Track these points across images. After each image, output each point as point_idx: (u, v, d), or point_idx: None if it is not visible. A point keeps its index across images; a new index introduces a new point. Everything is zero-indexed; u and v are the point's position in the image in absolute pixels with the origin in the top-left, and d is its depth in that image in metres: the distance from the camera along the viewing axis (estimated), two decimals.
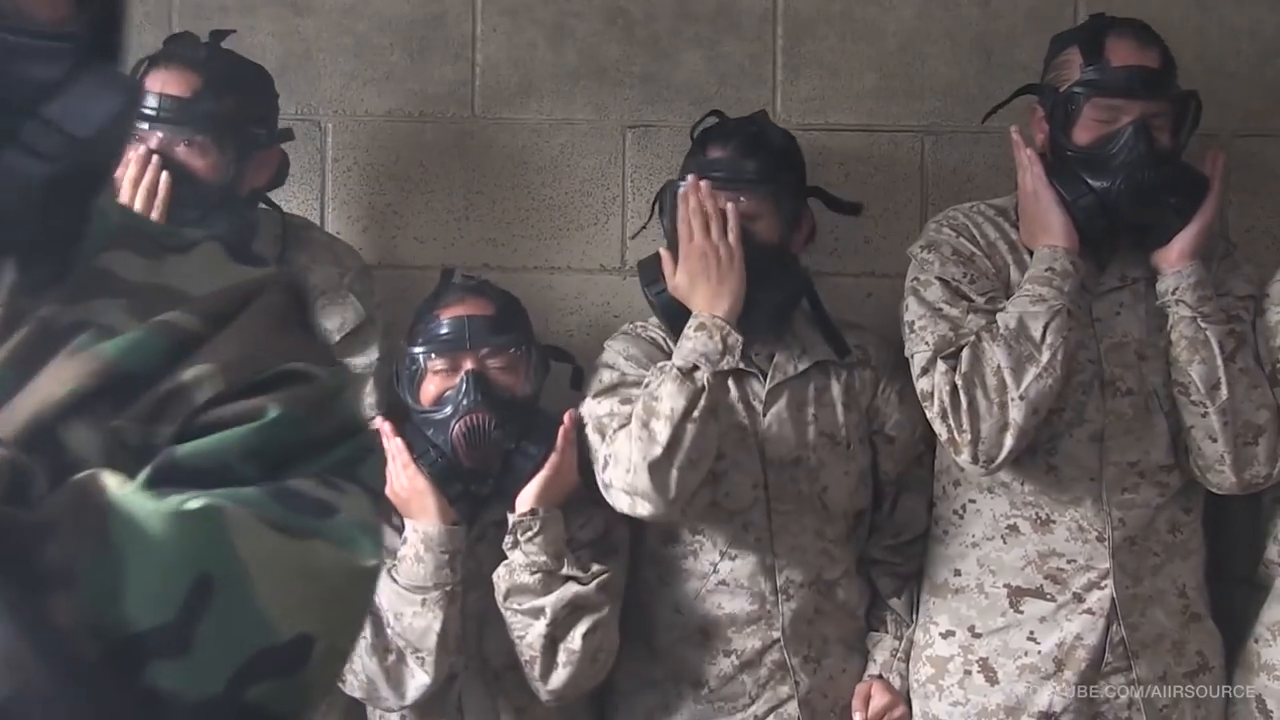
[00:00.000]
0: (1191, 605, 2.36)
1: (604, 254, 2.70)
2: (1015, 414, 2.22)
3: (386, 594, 2.26)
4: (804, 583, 2.36)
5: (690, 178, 2.32)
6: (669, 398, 2.19)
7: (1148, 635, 2.31)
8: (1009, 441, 2.23)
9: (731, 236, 2.27)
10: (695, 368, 2.20)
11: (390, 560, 2.31)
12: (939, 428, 2.28)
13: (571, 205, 2.70)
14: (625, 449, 2.21)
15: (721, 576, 2.36)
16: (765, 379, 2.40)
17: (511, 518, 2.28)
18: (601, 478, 2.27)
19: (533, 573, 2.26)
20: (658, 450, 2.17)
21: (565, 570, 2.28)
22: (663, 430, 2.18)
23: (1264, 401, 2.29)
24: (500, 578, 2.28)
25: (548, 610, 2.25)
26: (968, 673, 2.34)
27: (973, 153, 2.68)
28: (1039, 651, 2.31)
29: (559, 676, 2.28)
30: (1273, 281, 2.37)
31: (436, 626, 2.23)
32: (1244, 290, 2.37)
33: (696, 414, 2.18)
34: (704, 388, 2.18)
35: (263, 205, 2.42)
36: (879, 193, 2.69)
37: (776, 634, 2.35)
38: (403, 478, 2.27)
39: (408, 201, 2.68)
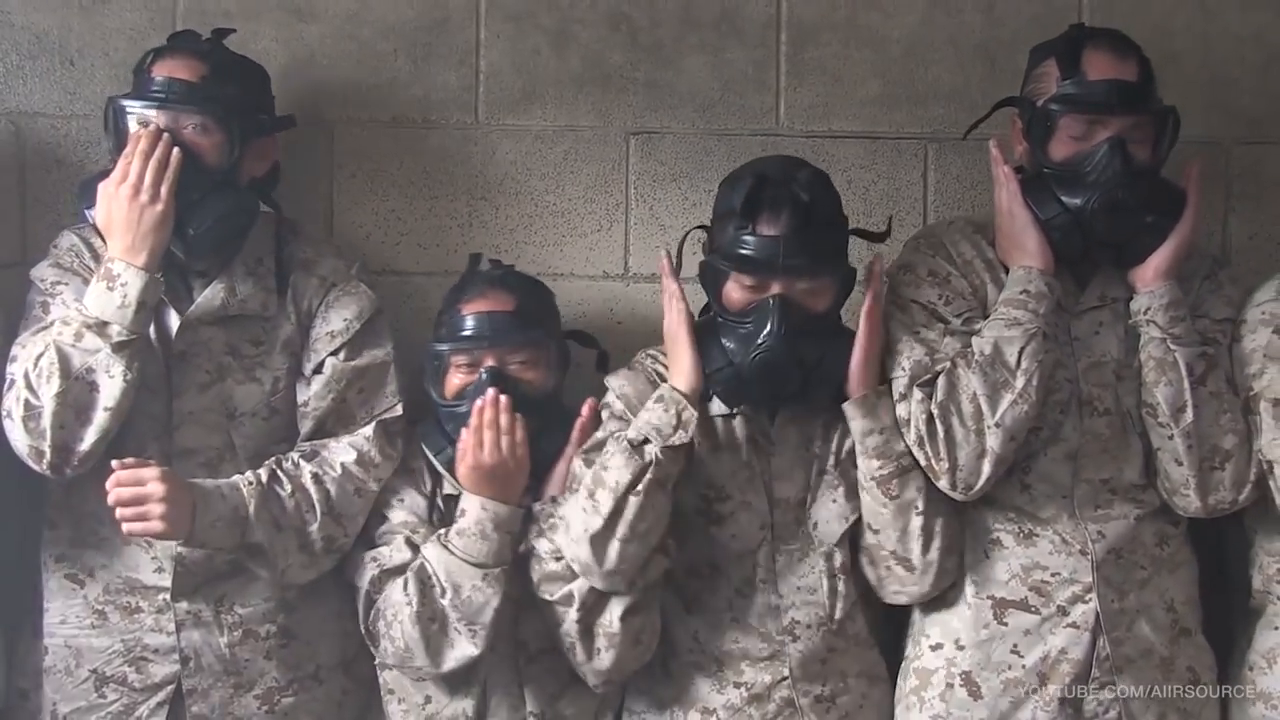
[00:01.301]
0: (1181, 620, 2.34)
1: (607, 260, 2.70)
2: (992, 441, 2.22)
3: (442, 564, 2.26)
4: (811, 624, 2.34)
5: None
6: (616, 470, 2.19)
7: (1133, 650, 2.30)
8: (987, 469, 2.23)
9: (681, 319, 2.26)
10: (646, 441, 2.20)
11: (428, 528, 2.34)
12: (917, 454, 2.27)
13: (575, 211, 2.70)
14: (573, 516, 2.23)
15: (734, 614, 2.35)
16: (774, 420, 2.36)
17: (535, 507, 2.30)
18: (557, 539, 2.28)
19: (557, 559, 2.27)
20: (599, 521, 2.18)
21: None
22: (606, 501, 2.18)
23: (1232, 427, 2.27)
24: (532, 569, 2.30)
25: (575, 594, 2.26)
26: (950, 686, 2.33)
27: (976, 160, 2.68)
28: (1023, 665, 2.30)
29: (603, 660, 2.29)
30: (1249, 306, 2.35)
31: (495, 602, 2.25)
32: (1222, 313, 2.35)
33: (641, 487, 2.17)
34: (652, 461, 2.18)
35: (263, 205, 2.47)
36: (882, 200, 2.70)
37: (787, 671, 2.34)
38: (507, 454, 2.25)
39: (411, 207, 2.69)
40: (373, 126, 2.68)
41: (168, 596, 2.33)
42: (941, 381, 2.25)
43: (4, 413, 2.27)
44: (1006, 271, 2.34)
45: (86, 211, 2.32)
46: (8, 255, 2.54)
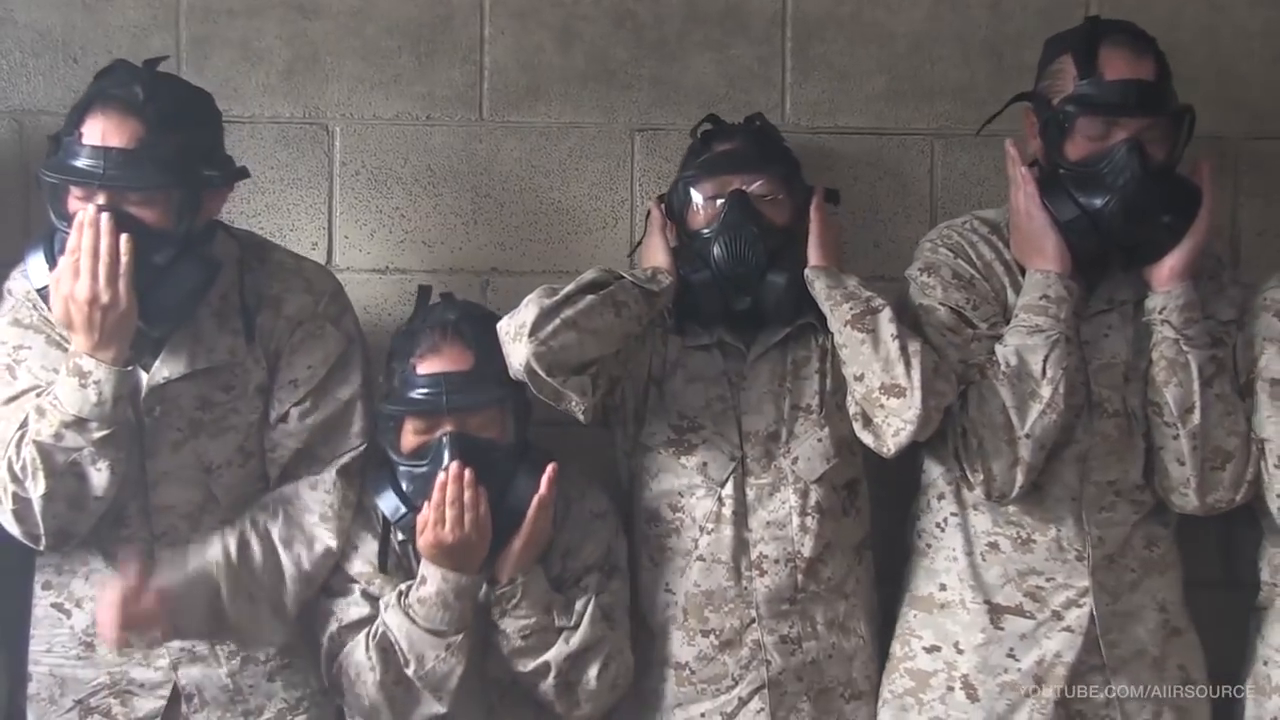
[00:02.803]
0: (1172, 620, 2.35)
1: (613, 257, 2.67)
2: (1024, 452, 2.23)
3: (404, 633, 2.24)
4: (778, 559, 2.35)
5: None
6: (587, 274, 2.29)
7: (1127, 651, 2.31)
8: (1020, 478, 2.24)
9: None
10: (620, 276, 2.32)
11: (383, 578, 2.31)
12: (951, 464, 2.29)
13: (580, 209, 2.69)
14: (530, 300, 2.26)
15: (700, 552, 2.37)
16: (749, 353, 2.42)
17: (494, 591, 2.27)
18: (501, 324, 2.29)
19: (525, 636, 2.27)
20: (555, 298, 2.24)
21: (558, 621, 2.28)
22: (568, 288, 2.26)
23: (1235, 429, 2.28)
24: (500, 644, 2.29)
25: (552, 665, 2.28)
26: (950, 689, 2.33)
27: (982, 156, 2.67)
28: (1019, 669, 2.30)
29: (584, 711, 2.33)
30: (1254, 295, 2.36)
31: (459, 670, 2.25)
32: (1227, 315, 2.35)
33: (602, 291, 2.27)
34: (619, 279, 2.30)
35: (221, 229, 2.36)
36: (888, 196, 2.69)
37: (754, 613, 2.35)
38: (470, 530, 2.21)
39: (415, 205, 2.68)
40: (376, 123, 2.67)
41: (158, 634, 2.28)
42: (971, 394, 2.27)
43: None
44: (1023, 273, 2.33)
45: (36, 292, 2.22)
46: (12, 253, 2.52)
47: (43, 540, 2.20)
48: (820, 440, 2.38)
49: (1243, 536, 2.45)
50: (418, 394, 2.26)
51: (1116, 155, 2.23)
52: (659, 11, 2.69)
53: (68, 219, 2.17)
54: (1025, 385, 2.24)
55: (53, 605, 2.31)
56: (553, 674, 2.28)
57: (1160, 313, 2.28)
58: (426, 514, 2.22)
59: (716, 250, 2.35)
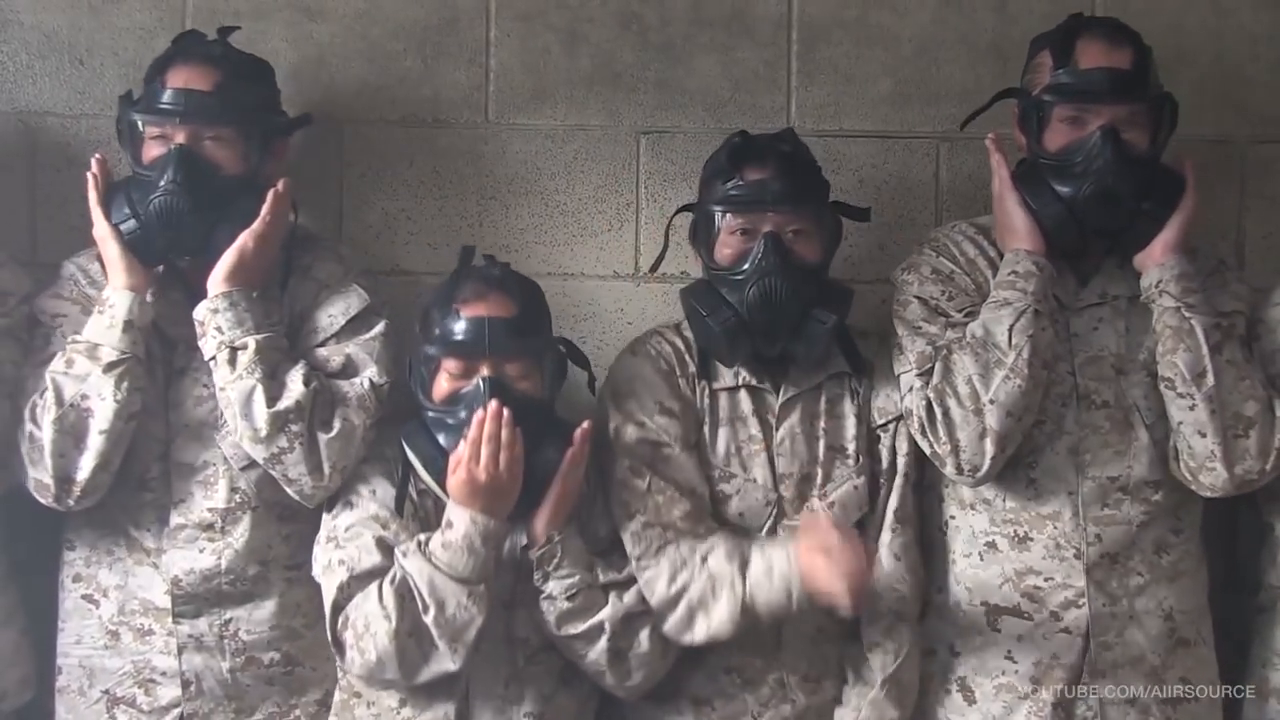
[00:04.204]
0: (1179, 630, 2.31)
1: (618, 260, 2.69)
2: (991, 420, 2.21)
3: (425, 578, 2.17)
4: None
5: None
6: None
7: (1121, 656, 2.28)
8: (990, 448, 2.22)
9: None
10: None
11: (407, 539, 2.25)
12: (921, 443, 2.28)
13: (585, 211, 2.69)
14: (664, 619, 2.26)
15: None
16: (779, 394, 2.38)
17: (532, 553, 2.25)
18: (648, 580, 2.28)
19: (571, 596, 2.24)
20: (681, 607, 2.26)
21: (602, 578, 2.27)
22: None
23: (1252, 393, 2.23)
24: (546, 610, 2.25)
25: (606, 626, 2.24)
26: (947, 692, 2.33)
27: (988, 159, 2.66)
28: (1016, 671, 2.29)
29: (636, 679, 2.29)
30: (1268, 306, 2.35)
31: (479, 622, 2.18)
32: (1230, 306, 2.32)
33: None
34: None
35: None
36: (893, 199, 2.69)
37: (779, 651, 2.33)
38: (504, 470, 2.17)
39: (421, 207, 2.68)
40: (382, 126, 2.67)
41: None
42: (937, 367, 2.27)
43: (20, 448, 2.27)
44: None
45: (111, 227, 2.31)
46: (18, 254, 2.53)
47: (51, 489, 2.23)
48: (856, 488, 2.35)
49: (1250, 536, 2.44)
50: (459, 335, 2.25)
51: (1091, 142, 2.24)
52: (665, 14, 2.69)
53: (143, 165, 2.30)
54: (990, 354, 2.23)
55: (83, 597, 2.35)
56: (606, 636, 2.24)
57: (1157, 285, 2.26)
58: (460, 452, 2.18)
59: (751, 296, 2.27)
